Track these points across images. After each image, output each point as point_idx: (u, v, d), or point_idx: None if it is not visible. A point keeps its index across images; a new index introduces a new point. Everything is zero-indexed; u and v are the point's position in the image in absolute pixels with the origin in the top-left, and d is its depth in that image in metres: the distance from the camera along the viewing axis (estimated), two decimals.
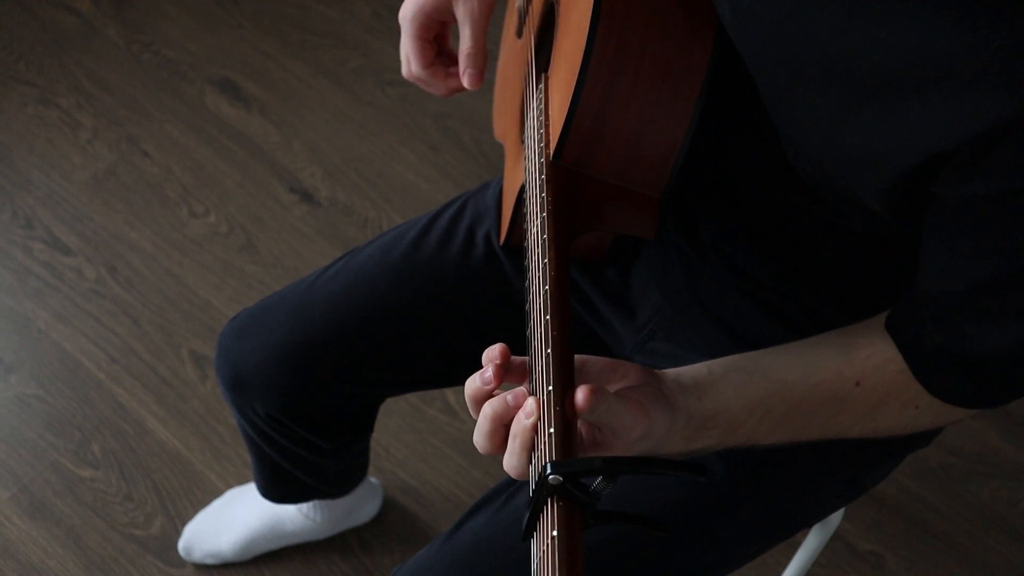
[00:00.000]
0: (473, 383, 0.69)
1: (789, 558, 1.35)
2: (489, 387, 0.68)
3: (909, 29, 0.61)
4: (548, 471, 0.60)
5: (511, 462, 0.66)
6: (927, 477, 1.63)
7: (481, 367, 1.13)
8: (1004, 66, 0.57)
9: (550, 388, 0.65)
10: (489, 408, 0.67)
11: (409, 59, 0.95)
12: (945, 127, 0.60)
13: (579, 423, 0.68)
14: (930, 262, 0.71)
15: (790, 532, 0.99)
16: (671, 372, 0.77)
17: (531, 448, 0.65)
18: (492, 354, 0.69)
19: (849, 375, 0.77)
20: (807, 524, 1.02)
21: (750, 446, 0.79)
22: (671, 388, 0.75)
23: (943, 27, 0.59)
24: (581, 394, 0.64)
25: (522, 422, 0.65)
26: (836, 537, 1.56)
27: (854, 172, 0.68)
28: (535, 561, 0.60)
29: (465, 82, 0.92)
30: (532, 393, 0.67)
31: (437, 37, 0.96)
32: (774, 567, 1.49)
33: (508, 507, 0.96)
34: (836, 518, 1.22)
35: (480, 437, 0.68)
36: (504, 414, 0.67)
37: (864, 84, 0.64)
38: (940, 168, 0.62)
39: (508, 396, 0.67)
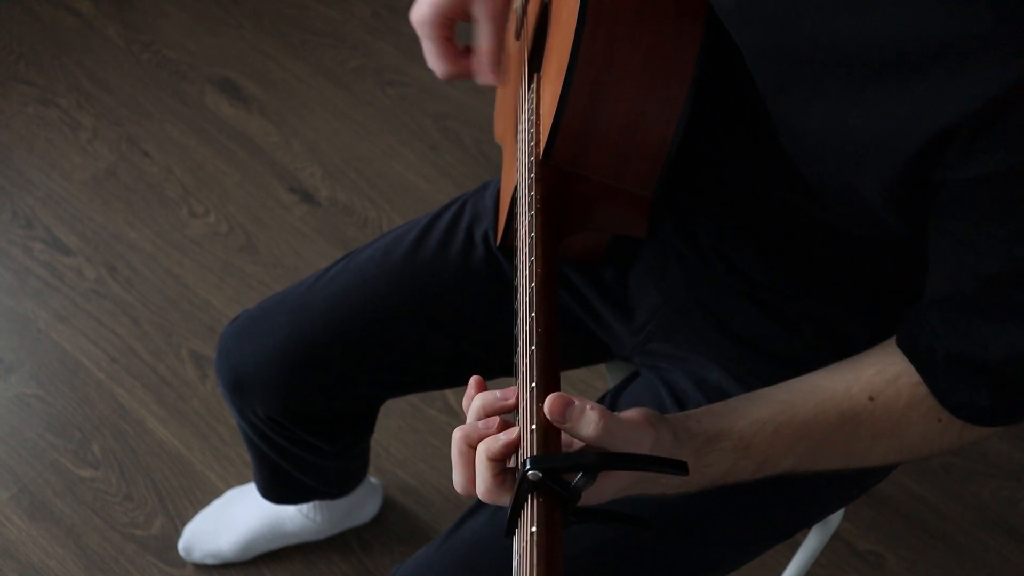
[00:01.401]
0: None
1: (789, 558, 1.35)
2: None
3: (905, 8, 0.61)
4: (528, 467, 0.60)
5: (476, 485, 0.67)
6: (927, 477, 1.62)
7: (481, 368, 1.13)
8: (1001, 36, 0.58)
9: (533, 384, 0.65)
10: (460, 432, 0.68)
11: (436, 63, 0.92)
12: (947, 103, 0.60)
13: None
14: (938, 261, 0.70)
15: (790, 532, 0.99)
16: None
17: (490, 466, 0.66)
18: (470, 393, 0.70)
19: (859, 392, 0.75)
20: (807, 524, 1.02)
21: (770, 473, 0.77)
22: (668, 416, 0.75)
23: (938, 3, 0.59)
24: (548, 402, 0.64)
25: (489, 443, 0.65)
26: (836, 537, 1.56)
27: (857, 162, 0.68)
28: (516, 557, 0.60)
29: (483, 79, 0.89)
30: (518, 390, 0.67)
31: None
32: (774, 567, 1.49)
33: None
34: (836, 518, 1.22)
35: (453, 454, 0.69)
36: (472, 435, 0.67)
37: (865, 66, 0.64)
38: (944, 148, 0.62)
39: (480, 424, 0.67)
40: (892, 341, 0.77)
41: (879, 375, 0.76)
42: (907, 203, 0.68)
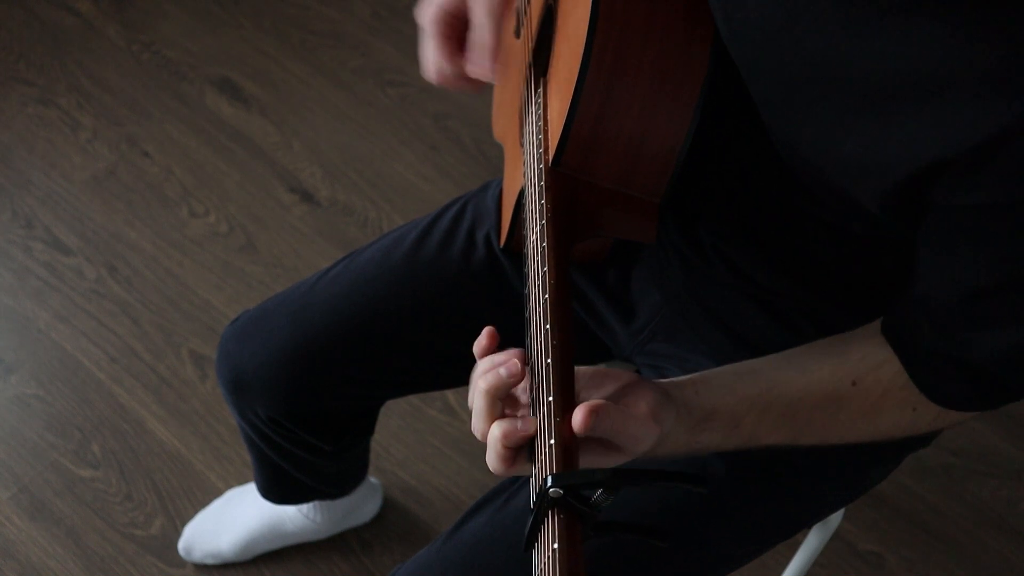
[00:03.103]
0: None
1: (789, 558, 1.35)
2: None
3: (906, 40, 0.60)
4: (549, 484, 0.60)
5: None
6: (927, 477, 1.63)
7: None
8: (1003, 76, 0.57)
9: (550, 399, 0.65)
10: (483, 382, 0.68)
11: (432, 61, 0.91)
12: (944, 137, 0.60)
13: None
14: (926, 268, 0.70)
15: (790, 532, 0.99)
16: (663, 380, 0.78)
17: (493, 402, 0.66)
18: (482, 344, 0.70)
19: (844, 375, 0.77)
20: (807, 524, 1.02)
21: (753, 446, 0.79)
22: (667, 384, 0.75)
23: (941, 38, 0.59)
24: (578, 416, 0.63)
25: (495, 374, 0.66)
26: (836, 537, 1.56)
27: (852, 179, 0.68)
28: (536, 573, 0.60)
29: (478, 75, 0.88)
30: (532, 404, 0.67)
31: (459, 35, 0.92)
32: (774, 567, 1.49)
33: (508, 507, 0.96)
34: (836, 518, 1.22)
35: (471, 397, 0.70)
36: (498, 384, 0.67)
37: (861, 95, 0.63)
38: (938, 177, 0.62)
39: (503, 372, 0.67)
40: (879, 324, 0.79)
41: (864, 360, 0.77)
42: (903, 214, 0.68)
